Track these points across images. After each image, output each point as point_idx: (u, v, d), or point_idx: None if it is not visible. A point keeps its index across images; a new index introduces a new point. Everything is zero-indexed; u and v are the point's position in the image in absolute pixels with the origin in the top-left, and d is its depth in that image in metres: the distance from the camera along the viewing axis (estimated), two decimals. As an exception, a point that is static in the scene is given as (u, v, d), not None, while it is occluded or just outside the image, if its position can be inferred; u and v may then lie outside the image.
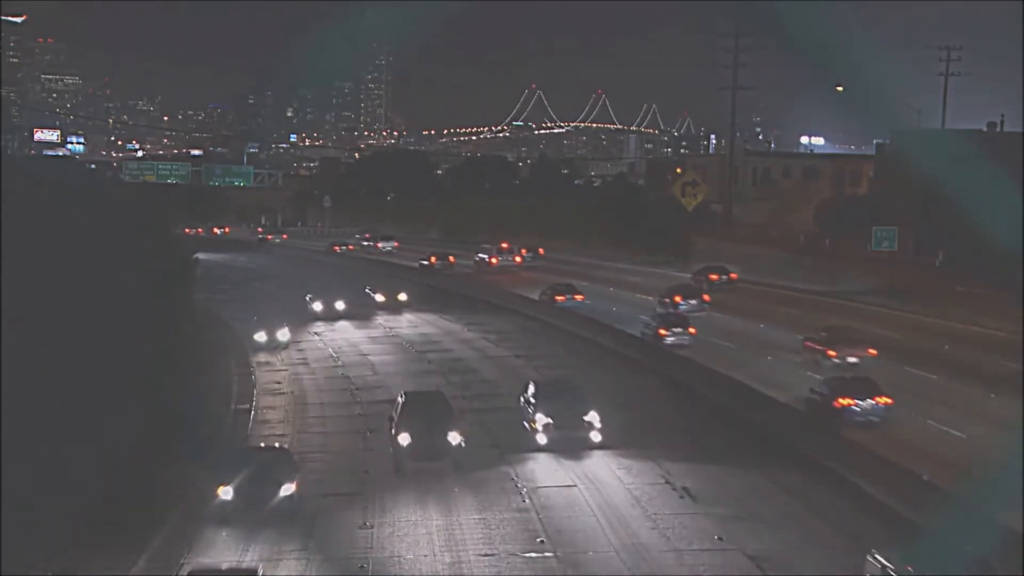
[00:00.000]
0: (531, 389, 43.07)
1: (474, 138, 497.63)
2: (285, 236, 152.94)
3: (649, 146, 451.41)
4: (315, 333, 72.16)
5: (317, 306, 77.79)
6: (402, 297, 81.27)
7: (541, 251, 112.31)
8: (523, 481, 37.22)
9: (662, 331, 60.61)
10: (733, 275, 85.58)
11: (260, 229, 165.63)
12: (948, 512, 27.50)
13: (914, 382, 49.33)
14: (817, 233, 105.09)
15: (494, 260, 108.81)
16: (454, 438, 38.01)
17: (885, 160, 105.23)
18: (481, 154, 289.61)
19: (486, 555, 30.81)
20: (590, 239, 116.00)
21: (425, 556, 30.96)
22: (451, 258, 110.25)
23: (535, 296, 78.75)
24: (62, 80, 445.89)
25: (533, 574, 29.48)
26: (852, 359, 50.52)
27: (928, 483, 32.28)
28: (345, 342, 68.82)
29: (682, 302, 70.89)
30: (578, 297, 76.47)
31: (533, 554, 30.75)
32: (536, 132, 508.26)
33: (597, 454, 39.91)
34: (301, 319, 75.04)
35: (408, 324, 75.17)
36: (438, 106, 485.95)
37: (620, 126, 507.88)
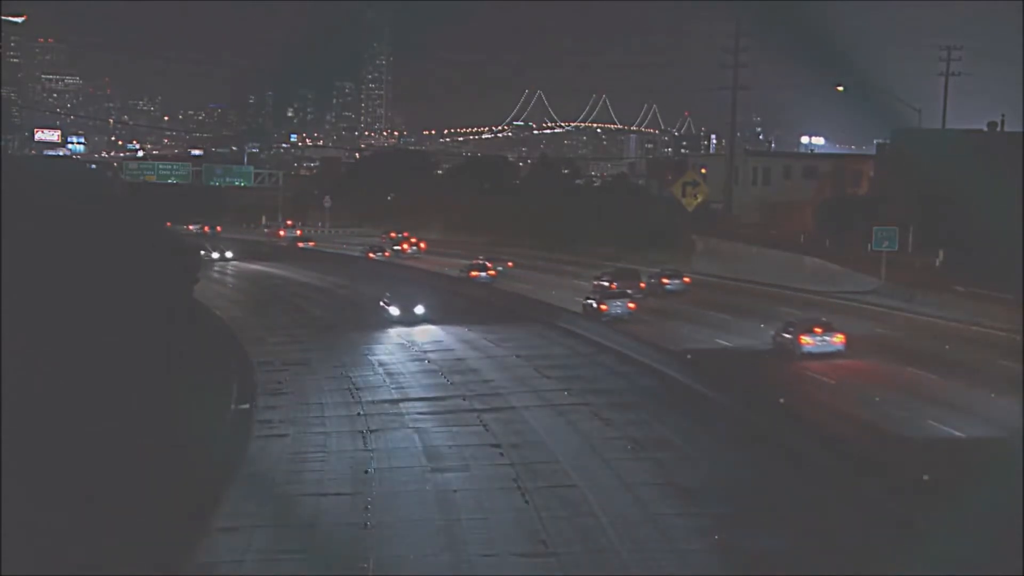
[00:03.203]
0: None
1: (474, 138, 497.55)
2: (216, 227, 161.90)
3: (649, 146, 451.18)
4: None
5: None
6: None
7: (300, 231, 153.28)
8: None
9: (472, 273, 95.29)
10: (405, 232, 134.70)
11: (282, 231, 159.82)
12: (946, 512, 27.46)
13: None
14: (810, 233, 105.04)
15: (281, 232, 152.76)
16: None
17: (885, 160, 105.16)
18: (481, 154, 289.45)
19: (487, 555, 30.78)
20: (586, 239, 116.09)
21: (425, 556, 30.92)
22: (219, 228, 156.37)
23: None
24: (62, 80, 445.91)
25: (534, 575, 29.46)
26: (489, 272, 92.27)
27: (927, 483, 32.25)
28: None
29: (410, 248, 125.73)
30: (311, 243, 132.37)
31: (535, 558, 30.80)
32: (536, 132, 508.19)
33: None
34: None
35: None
36: (438, 106, 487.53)
37: (620, 126, 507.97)
